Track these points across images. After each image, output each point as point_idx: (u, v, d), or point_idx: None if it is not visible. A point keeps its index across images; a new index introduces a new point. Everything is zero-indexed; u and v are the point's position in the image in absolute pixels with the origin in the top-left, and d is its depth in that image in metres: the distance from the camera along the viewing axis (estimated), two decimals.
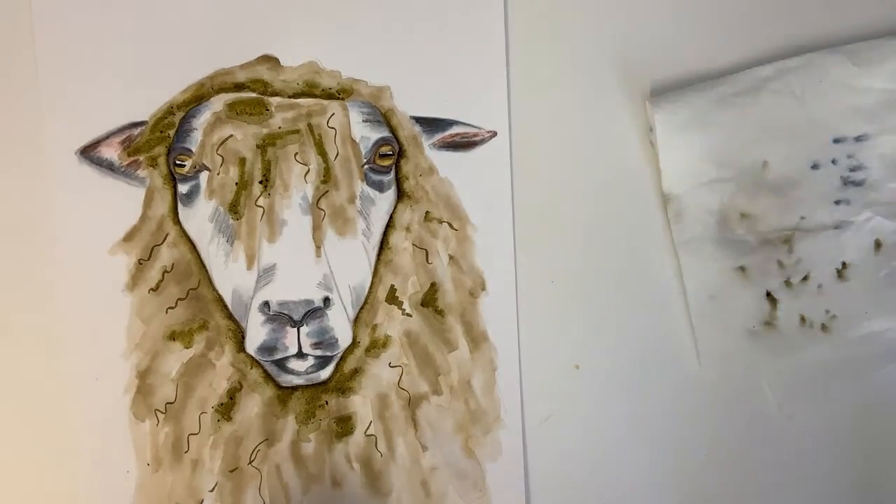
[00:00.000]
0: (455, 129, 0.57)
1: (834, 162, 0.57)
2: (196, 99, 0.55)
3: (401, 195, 0.58)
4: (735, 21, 0.59)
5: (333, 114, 0.56)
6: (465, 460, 0.58)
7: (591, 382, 0.59)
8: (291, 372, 0.56)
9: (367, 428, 0.57)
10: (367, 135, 0.56)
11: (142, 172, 0.55)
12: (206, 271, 0.56)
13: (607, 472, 0.60)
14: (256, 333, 0.55)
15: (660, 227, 0.59)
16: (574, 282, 0.59)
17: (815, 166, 0.58)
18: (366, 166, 0.56)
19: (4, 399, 0.55)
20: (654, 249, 0.59)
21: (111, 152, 0.55)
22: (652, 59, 0.59)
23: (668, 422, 0.60)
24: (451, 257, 0.58)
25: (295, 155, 0.55)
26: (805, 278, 0.58)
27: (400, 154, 0.57)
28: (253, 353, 0.56)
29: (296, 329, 0.55)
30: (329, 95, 0.56)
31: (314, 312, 0.55)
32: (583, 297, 0.59)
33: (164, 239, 0.56)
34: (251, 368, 0.57)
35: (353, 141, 0.56)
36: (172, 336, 0.56)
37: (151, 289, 0.56)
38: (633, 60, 0.59)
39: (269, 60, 0.55)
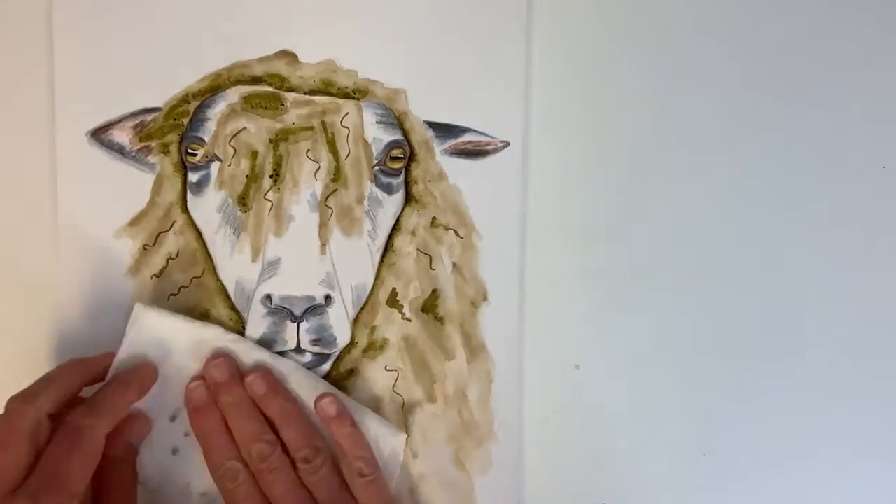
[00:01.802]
0: (468, 137, 0.57)
1: None
2: (212, 89, 0.55)
3: (409, 199, 0.57)
4: None
5: (348, 113, 0.56)
6: (455, 472, 0.58)
7: (591, 382, 0.59)
8: None
9: None
10: (379, 136, 0.56)
11: (152, 158, 0.55)
12: (211, 261, 0.56)
13: (607, 472, 0.59)
14: (257, 326, 0.55)
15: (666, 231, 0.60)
16: (575, 282, 0.59)
17: None
18: (376, 167, 0.56)
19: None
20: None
21: (123, 136, 0.55)
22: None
23: (668, 422, 0.60)
24: (454, 265, 0.58)
25: (307, 151, 0.55)
26: None
27: (411, 158, 0.57)
28: None
29: (295, 324, 0.55)
30: (345, 94, 0.56)
31: (315, 309, 0.55)
32: (583, 298, 0.59)
33: (171, 226, 0.56)
34: None
35: (366, 141, 0.56)
36: None
37: (154, 275, 0.55)
38: (649, 77, 0.59)
39: (288, 56, 0.55)
